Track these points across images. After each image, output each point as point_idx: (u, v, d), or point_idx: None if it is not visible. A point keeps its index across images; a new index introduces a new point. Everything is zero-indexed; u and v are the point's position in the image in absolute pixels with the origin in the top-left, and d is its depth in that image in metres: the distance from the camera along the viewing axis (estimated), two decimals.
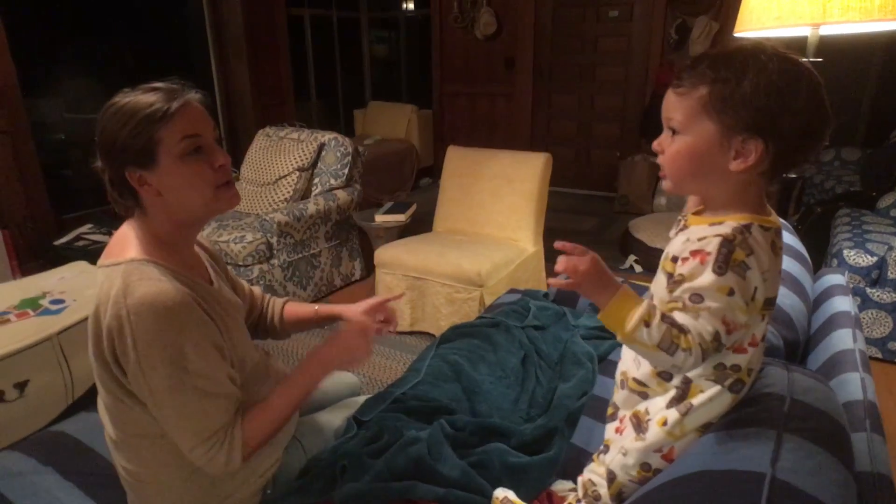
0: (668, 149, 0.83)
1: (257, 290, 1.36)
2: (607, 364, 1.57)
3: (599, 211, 4.96)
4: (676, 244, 0.84)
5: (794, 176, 2.64)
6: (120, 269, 0.92)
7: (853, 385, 0.96)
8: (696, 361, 0.78)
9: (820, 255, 2.93)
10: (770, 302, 0.81)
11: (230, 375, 1.01)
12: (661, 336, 0.77)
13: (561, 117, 5.46)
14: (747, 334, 0.81)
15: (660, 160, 0.84)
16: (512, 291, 2.10)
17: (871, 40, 3.67)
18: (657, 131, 0.86)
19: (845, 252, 2.52)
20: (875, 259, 2.45)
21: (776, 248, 0.80)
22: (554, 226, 3.38)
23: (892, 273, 2.39)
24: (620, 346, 1.64)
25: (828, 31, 1.67)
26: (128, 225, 1.01)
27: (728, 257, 0.75)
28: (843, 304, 1.26)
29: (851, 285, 2.46)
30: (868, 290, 2.47)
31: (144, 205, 0.98)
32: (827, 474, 0.68)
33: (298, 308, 1.37)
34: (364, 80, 6.62)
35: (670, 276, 0.82)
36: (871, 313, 2.47)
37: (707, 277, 0.76)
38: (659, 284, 0.86)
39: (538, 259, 2.92)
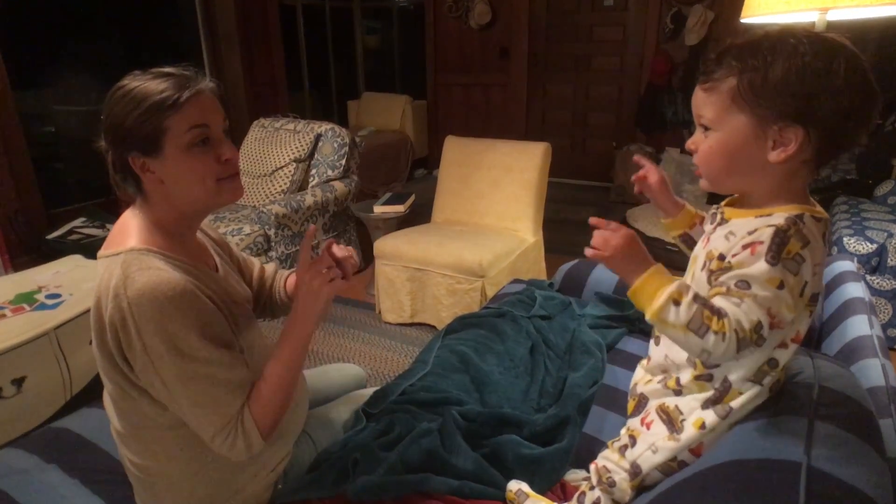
0: (701, 147, 0.80)
1: (270, 267, 1.32)
2: (615, 353, 1.56)
3: (596, 201, 4.95)
4: (718, 240, 0.80)
5: None
6: (119, 259, 0.89)
7: (874, 371, 0.95)
8: (729, 349, 0.73)
9: None
10: (815, 297, 0.77)
11: (242, 360, 0.98)
12: (692, 316, 0.74)
13: (556, 107, 5.43)
14: (792, 330, 0.78)
15: (694, 159, 0.81)
16: (516, 281, 2.09)
17: (864, 27, 3.66)
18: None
19: (845, 240, 2.53)
20: (875, 246, 2.45)
21: (826, 240, 0.76)
22: (551, 216, 3.36)
23: (892, 260, 2.40)
24: (628, 334, 1.65)
25: (835, 16, 1.65)
26: (129, 213, 0.98)
27: (781, 248, 0.71)
28: (856, 290, 1.25)
29: None
30: (868, 277, 2.47)
31: (146, 191, 0.95)
32: (862, 462, 0.67)
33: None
34: (357, 71, 6.55)
35: (712, 272, 0.78)
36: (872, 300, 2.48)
37: (759, 266, 0.72)
38: (699, 283, 0.82)
39: (538, 249, 2.90)
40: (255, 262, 1.30)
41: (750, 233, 0.74)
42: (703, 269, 0.82)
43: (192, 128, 0.90)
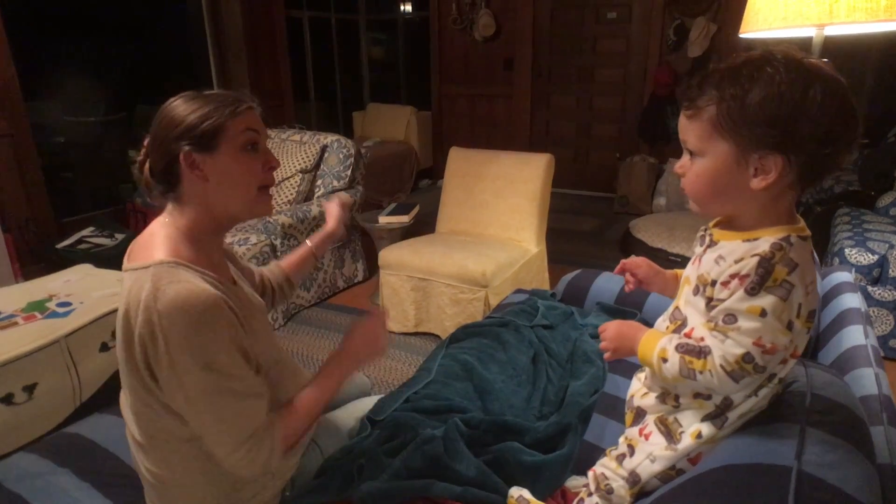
0: (688, 173, 0.81)
1: (257, 269, 1.36)
2: (616, 362, 1.58)
3: (599, 212, 4.97)
4: (709, 263, 0.81)
5: None
6: (149, 271, 0.90)
7: (867, 380, 0.97)
8: (724, 383, 0.77)
9: (820, 253, 2.95)
10: (812, 314, 0.78)
11: (261, 374, 1.03)
12: (679, 367, 0.81)
13: (560, 118, 5.48)
14: (790, 347, 0.79)
15: (682, 183, 0.83)
16: (519, 291, 2.11)
17: (868, 41, 3.69)
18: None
19: (846, 251, 2.54)
20: (876, 257, 2.47)
21: (812, 256, 0.77)
22: (554, 227, 3.40)
23: (893, 271, 2.41)
24: None
25: (832, 31, 1.68)
26: (157, 223, 1.00)
27: (765, 277, 0.72)
28: (853, 301, 1.27)
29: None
30: (869, 288, 2.49)
31: (184, 193, 0.98)
32: (851, 467, 0.69)
33: (293, 257, 1.43)
34: (363, 82, 6.62)
35: (710, 300, 0.80)
36: (873, 311, 2.49)
37: (739, 297, 0.74)
38: (696, 307, 0.84)
39: (541, 259, 2.93)
40: (252, 266, 1.34)
41: (737, 261, 0.76)
42: (697, 293, 0.83)
43: (247, 129, 0.98)
